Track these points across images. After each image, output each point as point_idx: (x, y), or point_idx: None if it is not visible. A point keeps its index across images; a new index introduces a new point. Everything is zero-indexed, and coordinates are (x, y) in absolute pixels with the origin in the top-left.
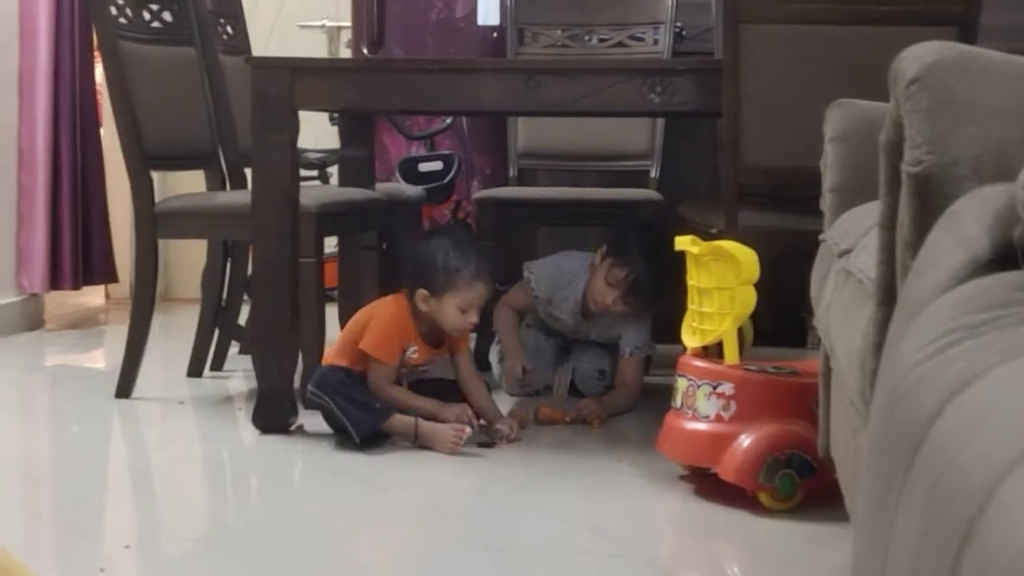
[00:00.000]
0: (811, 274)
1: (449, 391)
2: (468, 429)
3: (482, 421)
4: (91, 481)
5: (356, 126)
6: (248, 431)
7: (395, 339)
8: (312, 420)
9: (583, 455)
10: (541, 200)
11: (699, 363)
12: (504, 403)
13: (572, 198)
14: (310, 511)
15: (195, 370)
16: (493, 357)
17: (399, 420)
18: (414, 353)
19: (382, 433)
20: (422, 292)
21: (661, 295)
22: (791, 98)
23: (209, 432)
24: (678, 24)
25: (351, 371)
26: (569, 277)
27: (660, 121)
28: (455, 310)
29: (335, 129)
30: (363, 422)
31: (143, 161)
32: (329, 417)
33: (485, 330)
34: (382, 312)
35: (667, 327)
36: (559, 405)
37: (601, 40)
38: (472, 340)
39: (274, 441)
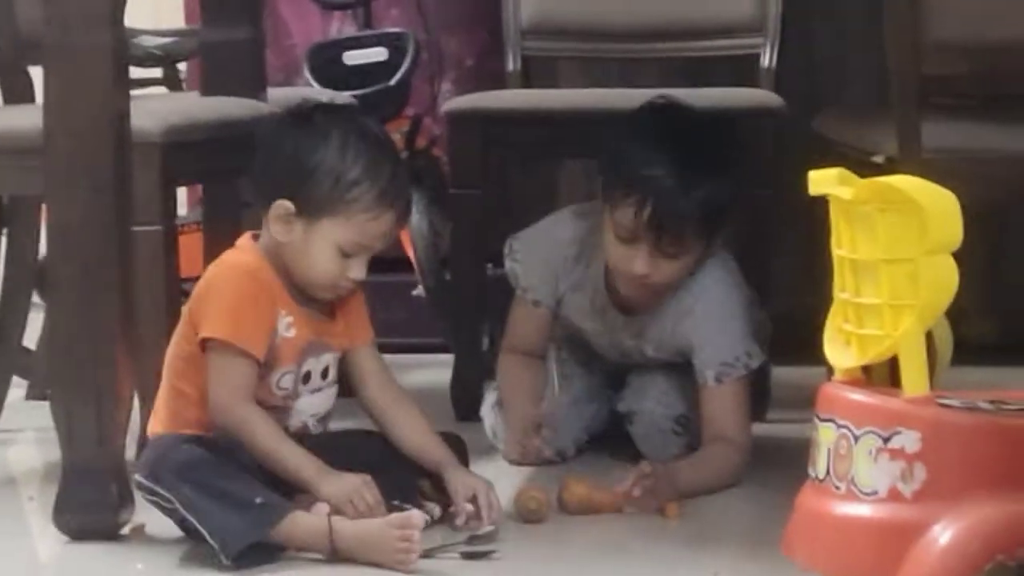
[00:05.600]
0: None
1: (362, 453)
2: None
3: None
4: None
5: None
6: (48, 537)
7: (251, 303)
8: (160, 516)
9: (652, 568)
10: (565, 113)
11: (857, 396)
12: (501, 479)
13: (621, 108)
14: None
15: None
16: (487, 404)
17: (301, 521)
18: (289, 328)
19: (271, 545)
20: (282, 206)
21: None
22: None
23: None
24: None
25: (205, 439)
26: (574, 250)
27: None
28: (333, 248)
29: None
30: (235, 530)
31: None
32: (177, 517)
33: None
34: (218, 270)
35: (793, 333)
36: (605, 481)
37: None
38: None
39: (94, 555)
